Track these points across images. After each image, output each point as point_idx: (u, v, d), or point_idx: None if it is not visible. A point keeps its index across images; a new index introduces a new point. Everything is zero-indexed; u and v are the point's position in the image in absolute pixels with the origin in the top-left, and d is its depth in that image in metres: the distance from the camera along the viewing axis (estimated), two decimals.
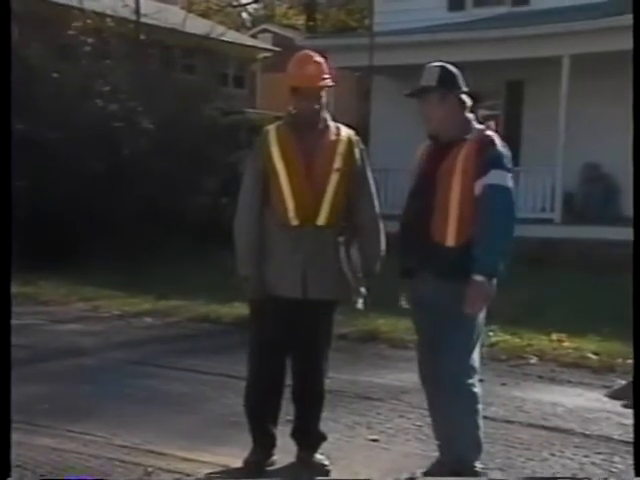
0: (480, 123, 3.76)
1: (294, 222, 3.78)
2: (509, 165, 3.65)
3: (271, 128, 3.92)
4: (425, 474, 3.77)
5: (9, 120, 3.10)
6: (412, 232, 3.72)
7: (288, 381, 4.00)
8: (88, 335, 7.56)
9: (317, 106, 3.83)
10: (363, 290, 3.87)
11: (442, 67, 3.75)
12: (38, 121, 11.93)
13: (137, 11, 15.30)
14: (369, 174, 3.95)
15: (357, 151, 3.92)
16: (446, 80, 3.70)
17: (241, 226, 3.88)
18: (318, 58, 3.87)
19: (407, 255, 3.76)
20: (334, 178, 3.81)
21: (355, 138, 3.94)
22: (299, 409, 4.01)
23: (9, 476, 3.10)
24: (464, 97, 3.73)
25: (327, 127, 3.89)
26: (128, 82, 13.58)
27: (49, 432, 4.51)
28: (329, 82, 3.86)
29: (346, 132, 3.93)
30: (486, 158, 3.58)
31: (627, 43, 12.42)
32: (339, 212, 3.83)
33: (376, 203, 3.96)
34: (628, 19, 11.51)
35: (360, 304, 3.85)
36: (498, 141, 3.66)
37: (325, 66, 3.87)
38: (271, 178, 3.80)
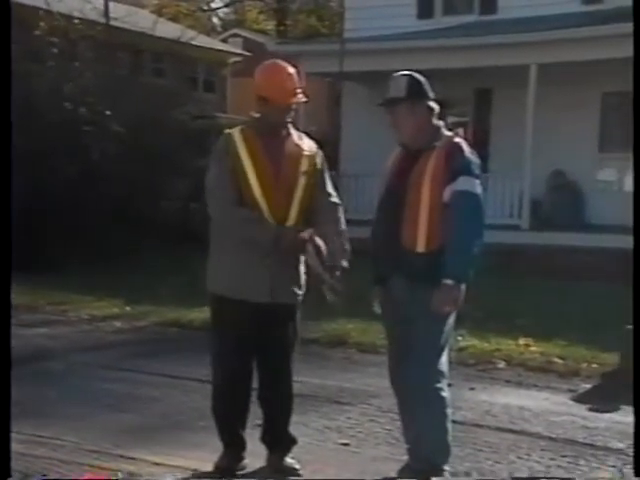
0: (449, 130, 3.82)
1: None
2: (477, 172, 3.70)
3: (234, 131, 3.91)
4: (395, 478, 3.80)
5: (9, 125, 3.08)
6: (383, 239, 3.76)
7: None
8: (56, 339, 7.50)
9: (287, 119, 3.87)
10: (331, 281, 3.77)
11: (410, 77, 3.77)
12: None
13: (106, 14, 15.22)
14: (329, 179, 4.01)
15: (319, 157, 3.98)
16: (414, 90, 3.74)
17: (230, 213, 3.77)
18: (291, 69, 3.88)
19: (378, 261, 3.80)
20: (302, 181, 3.85)
21: (315, 146, 4.00)
22: (267, 412, 4.02)
23: (10, 476, 3.09)
24: (432, 104, 3.78)
25: (289, 134, 3.94)
26: (97, 85, 13.49)
27: (17, 437, 4.43)
28: (302, 98, 3.88)
29: (307, 140, 4.00)
30: (455, 165, 3.63)
31: (593, 53, 12.66)
32: (305, 213, 3.87)
33: (337, 200, 3.99)
34: (594, 30, 11.80)
35: (330, 295, 3.78)
36: (466, 148, 3.71)
37: (297, 78, 3.89)
38: (240, 179, 3.79)
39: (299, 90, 3.87)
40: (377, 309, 3.89)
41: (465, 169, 3.64)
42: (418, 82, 3.77)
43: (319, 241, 3.75)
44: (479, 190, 3.65)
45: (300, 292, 3.94)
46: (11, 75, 3.12)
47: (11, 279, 3.08)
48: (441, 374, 3.74)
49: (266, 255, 3.75)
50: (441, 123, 3.81)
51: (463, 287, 3.62)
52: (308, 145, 3.96)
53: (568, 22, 12.27)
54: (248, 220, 3.77)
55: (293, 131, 3.97)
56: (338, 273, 3.76)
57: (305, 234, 3.75)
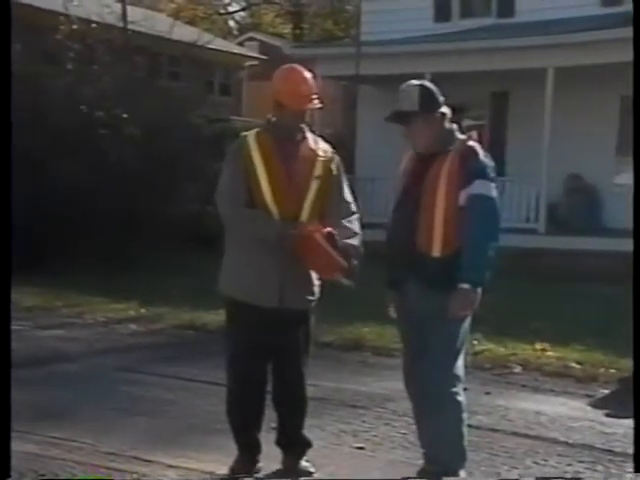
0: (462, 133, 3.80)
1: None
2: (492, 175, 3.68)
3: (249, 134, 3.92)
4: None
5: (9, 125, 3.10)
6: (398, 243, 3.74)
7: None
8: (72, 341, 7.52)
9: (302, 124, 3.87)
10: (344, 264, 3.70)
11: (421, 87, 3.73)
12: (23, 127, 11.88)
13: (124, 18, 15.30)
14: (345, 183, 3.98)
15: (334, 162, 3.95)
16: (427, 101, 3.69)
17: (238, 213, 3.79)
18: (307, 75, 3.87)
19: (394, 265, 3.79)
20: (314, 185, 3.84)
21: (331, 150, 3.99)
22: (281, 416, 4.02)
23: (9, 476, 3.10)
24: (444, 110, 3.75)
25: (305, 138, 3.93)
26: (114, 89, 13.56)
27: (33, 439, 4.48)
28: (318, 104, 3.87)
29: (323, 144, 3.98)
30: (470, 168, 3.61)
31: (611, 56, 12.60)
32: (318, 217, 3.84)
33: (353, 208, 3.96)
34: (612, 33, 11.73)
35: (345, 281, 3.74)
36: (481, 151, 3.69)
37: (314, 84, 3.88)
38: (252, 182, 3.79)
39: (314, 96, 3.86)
40: (392, 313, 3.88)
41: (480, 172, 3.62)
42: (429, 92, 3.73)
43: (329, 229, 3.71)
44: (494, 193, 3.63)
45: (313, 298, 3.93)
46: (11, 75, 3.13)
47: (11, 279, 3.08)
48: (457, 378, 3.72)
49: (276, 257, 3.74)
50: (454, 127, 3.79)
51: (479, 291, 3.60)
52: (323, 149, 3.95)
53: (586, 25, 12.21)
54: (253, 218, 3.78)
55: (309, 135, 3.95)
56: (352, 258, 3.73)
57: (313, 227, 3.71)
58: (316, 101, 3.87)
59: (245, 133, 3.95)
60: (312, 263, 3.79)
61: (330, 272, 3.76)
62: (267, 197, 3.78)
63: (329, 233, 3.70)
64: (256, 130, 3.95)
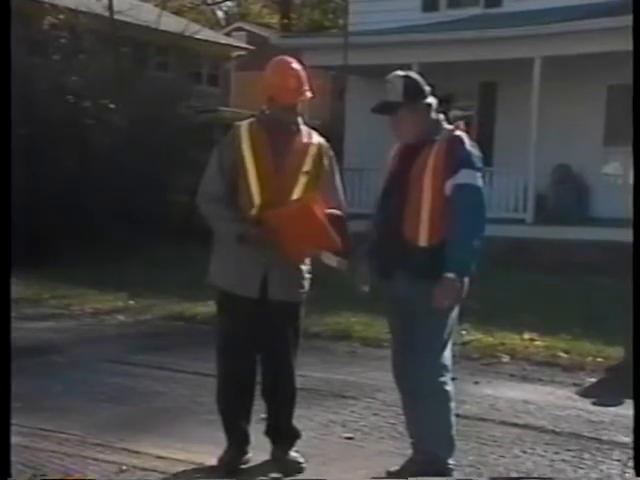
0: (450, 123, 3.80)
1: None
2: (479, 164, 3.67)
3: (242, 124, 3.91)
4: (399, 471, 3.79)
5: (9, 123, 3.07)
6: (385, 233, 3.74)
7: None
8: (60, 332, 7.51)
9: (294, 117, 3.86)
10: (338, 240, 3.72)
11: (405, 78, 3.72)
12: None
13: (110, 7, 15.21)
14: (337, 179, 3.97)
15: (326, 157, 3.94)
16: (412, 92, 3.69)
17: (208, 210, 3.83)
18: (297, 66, 3.86)
19: (380, 256, 3.79)
20: (302, 180, 3.83)
21: (325, 145, 3.97)
22: (271, 407, 4.02)
23: (9, 476, 3.09)
24: (430, 100, 3.75)
25: (299, 130, 3.91)
26: (101, 79, 13.49)
27: (21, 430, 4.46)
28: (309, 95, 3.86)
29: (317, 137, 3.96)
30: (456, 158, 3.61)
31: (598, 46, 12.57)
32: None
33: (342, 201, 3.95)
34: (599, 23, 11.75)
35: (337, 262, 3.76)
36: (467, 141, 3.69)
37: (304, 75, 3.87)
38: (239, 173, 3.79)
39: (305, 88, 3.85)
40: (362, 285, 3.80)
41: (466, 162, 3.62)
42: (414, 82, 3.73)
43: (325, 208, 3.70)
44: (480, 183, 3.63)
45: (301, 290, 3.92)
46: (11, 73, 3.10)
47: (11, 273, 3.07)
48: (445, 368, 3.73)
49: (259, 249, 3.73)
50: (441, 117, 3.79)
51: (466, 281, 3.61)
52: (316, 142, 3.93)
53: (573, 14, 12.21)
54: (218, 217, 3.80)
55: (303, 128, 3.93)
56: (347, 237, 3.74)
57: (311, 200, 3.68)
58: (307, 92, 3.86)
59: (238, 123, 3.94)
60: (307, 236, 3.75)
61: (325, 245, 3.74)
62: (253, 188, 3.77)
63: (325, 211, 3.69)
64: (249, 121, 3.94)
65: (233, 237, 3.75)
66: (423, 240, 3.62)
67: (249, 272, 3.78)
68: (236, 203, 3.82)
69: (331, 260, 3.79)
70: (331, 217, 3.73)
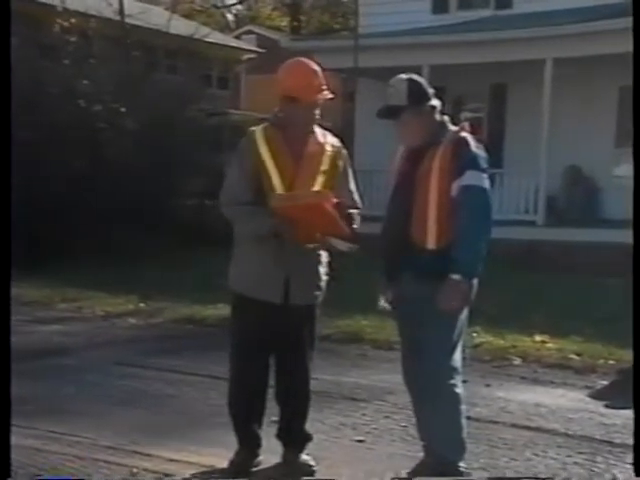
0: (456, 125, 3.78)
1: None
2: (484, 165, 3.65)
3: (257, 129, 3.91)
4: (410, 474, 3.78)
5: (9, 124, 3.09)
6: (393, 235, 3.74)
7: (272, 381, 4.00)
8: (71, 335, 7.53)
9: (315, 117, 3.85)
10: (347, 228, 3.75)
11: (409, 81, 3.71)
12: (20, 121, 11.86)
13: (121, 11, 15.26)
14: (352, 178, 3.98)
15: (341, 156, 3.95)
16: (416, 95, 3.68)
17: (237, 211, 3.80)
18: (315, 66, 3.85)
19: (389, 259, 3.78)
20: (320, 180, 3.83)
21: (339, 145, 3.97)
22: (284, 410, 4.01)
23: (9, 476, 3.10)
24: (434, 102, 3.74)
25: (313, 131, 3.91)
26: (112, 82, 13.53)
27: (33, 433, 4.48)
28: (329, 95, 3.85)
29: (331, 138, 3.97)
30: (461, 159, 3.59)
31: (609, 47, 12.53)
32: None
33: (358, 201, 3.97)
34: (610, 24, 11.70)
35: (345, 246, 3.77)
36: (472, 142, 3.67)
37: (322, 75, 3.85)
38: (262, 179, 3.78)
39: (325, 87, 3.85)
40: (382, 305, 3.84)
41: (471, 163, 3.60)
42: (418, 85, 3.71)
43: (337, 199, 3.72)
44: (486, 184, 3.61)
45: (318, 293, 3.92)
46: (11, 73, 3.12)
47: (10, 275, 3.08)
48: (454, 370, 3.71)
49: (282, 253, 3.72)
50: (446, 118, 3.78)
51: (475, 282, 3.59)
52: (332, 143, 3.93)
53: (584, 16, 12.18)
54: (249, 214, 3.77)
55: (317, 129, 3.93)
56: (354, 223, 3.76)
57: (323, 195, 3.68)
58: (327, 92, 3.85)
59: (253, 128, 3.94)
60: (317, 226, 3.77)
61: (333, 233, 3.76)
62: (278, 192, 3.76)
63: (337, 203, 3.70)
64: (263, 125, 3.93)
65: (266, 232, 3.70)
66: (431, 242, 3.61)
67: (272, 277, 3.77)
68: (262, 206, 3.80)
69: (341, 245, 3.80)
70: (338, 206, 3.72)
